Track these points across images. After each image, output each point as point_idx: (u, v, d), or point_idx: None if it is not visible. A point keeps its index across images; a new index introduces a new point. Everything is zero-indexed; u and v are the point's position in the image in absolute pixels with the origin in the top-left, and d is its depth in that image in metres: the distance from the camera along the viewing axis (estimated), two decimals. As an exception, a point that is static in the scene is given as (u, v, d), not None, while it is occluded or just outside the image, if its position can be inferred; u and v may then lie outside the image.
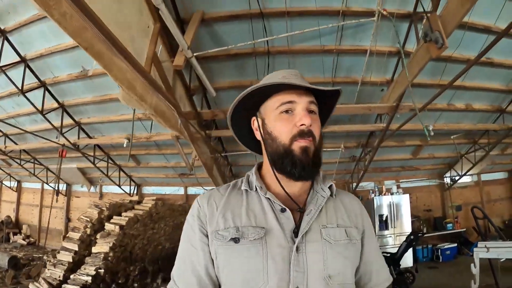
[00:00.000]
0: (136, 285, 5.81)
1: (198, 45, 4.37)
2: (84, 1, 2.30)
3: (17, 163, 9.96)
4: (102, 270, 4.91)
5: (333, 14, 4.32)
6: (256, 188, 0.99)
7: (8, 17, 4.83)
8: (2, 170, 12.51)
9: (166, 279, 6.62)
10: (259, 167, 1.08)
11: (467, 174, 10.04)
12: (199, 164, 6.77)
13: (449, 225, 10.31)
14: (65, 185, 11.73)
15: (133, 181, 9.00)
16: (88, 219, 5.60)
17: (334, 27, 4.38)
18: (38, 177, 10.81)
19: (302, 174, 0.92)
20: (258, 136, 1.04)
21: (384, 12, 3.85)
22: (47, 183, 11.21)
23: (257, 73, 5.28)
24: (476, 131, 8.08)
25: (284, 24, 4.36)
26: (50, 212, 9.81)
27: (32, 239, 12.65)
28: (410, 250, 8.47)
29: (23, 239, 12.49)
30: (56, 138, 7.32)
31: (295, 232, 0.91)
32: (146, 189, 9.28)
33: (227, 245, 0.89)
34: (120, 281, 5.39)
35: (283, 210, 0.94)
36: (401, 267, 6.93)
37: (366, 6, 4.30)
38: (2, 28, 4.99)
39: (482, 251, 4.56)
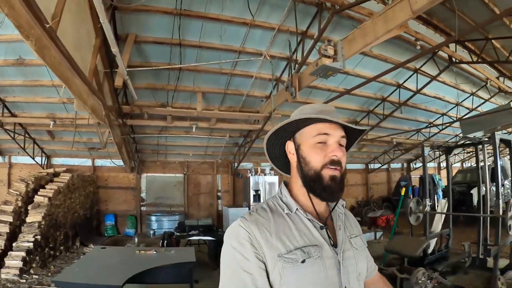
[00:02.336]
0: (62, 248, 6.64)
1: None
2: (59, 39, 3.18)
3: None
4: (39, 237, 5.62)
5: (232, 51, 5.86)
6: (295, 210, 1.08)
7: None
8: None
9: (82, 243, 7.60)
10: (286, 185, 1.18)
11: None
12: (110, 141, 7.79)
13: None
14: None
15: (44, 153, 9.28)
16: (17, 192, 6.18)
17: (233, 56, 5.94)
18: None
19: (329, 197, 1.08)
20: (290, 158, 1.15)
21: (267, 56, 5.58)
22: None
23: (169, 80, 6.66)
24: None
25: (196, 52, 5.83)
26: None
27: None
28: None
29: None
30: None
31: (334, 244, 1.07)
32: (56, 160, 9.50)
33: (296, 266, 0.97)
34: (51, 245, 6.15)
35: (322, 227, 1.07)
36: None
37: (257, 48, 5.87)
38: None
39: None
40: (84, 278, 3.19)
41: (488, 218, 4.96)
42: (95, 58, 4.71)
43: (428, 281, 4.47)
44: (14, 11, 2.54)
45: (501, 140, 5.06)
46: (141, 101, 7.42)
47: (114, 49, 4.46)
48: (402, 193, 7.03)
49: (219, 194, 12.17)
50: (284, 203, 1.12)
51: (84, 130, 8.04)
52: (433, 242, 5.85)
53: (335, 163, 1.04)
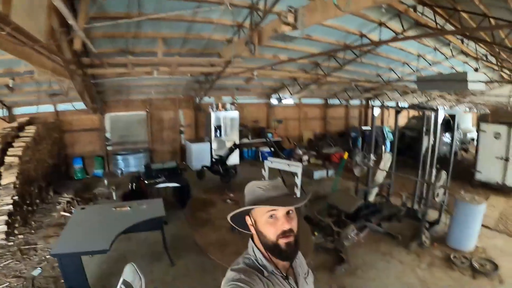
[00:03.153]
0: (37, 201, 6.86)
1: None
2: (15, 23, 3.14)
3: None
4: (16, 197, 5.74)
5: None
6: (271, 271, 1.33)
7: None
8: None
9: (56, 191, 7.84)
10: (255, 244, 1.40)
11: (290, 97, 13.07)
12: (71, 88, 7.72)
13: (270, 134, 13.17)
14: None
15: (4, 105, 8.98)
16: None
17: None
18: None
19: (287, 260, 1.35)
20: (252, 229, 1.38)
21: (229, 6, 5.38)
22: None
23: (128, 27, 6.35)
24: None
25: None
26: None
27: None
28: (237, 153, 11.59)
29: None
30: None
31: None
32: (17, 110, 9.25)
33: None
34: (27, 202, 6.34)
35: (288, 280, 1.37)
36: (228, 165, 9.62)
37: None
38: None
39: (269, 163, 6.52)
40: (75, 247, 3.60)
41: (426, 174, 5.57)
42: (49, 19, 4.54)
43: (358, 234, 5.29)
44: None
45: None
46: (101, 49, 7.12)
47: (70, 21, 4.30)
48: (345, 157, 7.66)
49: (181, 129, 12.41)
50: (260, 265, 1.34)
51: (47, 79, 7.75)
52: (374, 191, 6.74)
53: (286, 232, 1.29)
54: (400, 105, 8.15)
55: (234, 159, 11.43)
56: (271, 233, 1.30)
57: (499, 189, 8.46)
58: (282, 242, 1.29)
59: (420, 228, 5.50)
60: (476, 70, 9.61)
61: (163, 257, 5.09)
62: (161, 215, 4.77)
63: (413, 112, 15.27)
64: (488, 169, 8.63)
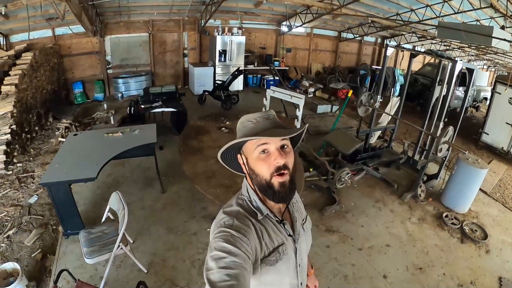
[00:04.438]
0: (36, 128, 6.83)
1: None
2: None
3: None
4: (14, 126, 5.69)
5: None
6: (266, 214, 1.21)
7: None
8: None
9: (55, 117, 7.78)
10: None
11: (302, 26, 12.22)
12: (68, 10, 7.26)
13: (276, 63, 12.82)
14: None
15: (1, 33, 8.64)
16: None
17: None
18: None
19: (282, 201, 1.20)
20: (244, 169, 1.24)
21: None
22: None
23: None
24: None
25: None
26: None
27: None
28: (241, 80, 11.44)
29: None
30: None
31: (293, 236, 1.28)
32: (14, 38, 8.97)
33: (273, 265, 1.17)
34: (26, 129, 6.32)
35: (283, 224, 1.25)
36: (230, 91, 9.57)
37: None
38: None
39: (271, 92, 6.37)
40: (64, 175, 3.64)
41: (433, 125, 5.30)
42: None
43: (352, 178, 5.23)
44: None
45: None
46: None
47: None
48: (349, 95, 7.29)
49: (185, 52, 11.88)
50: (255, 208, 1.21)
51: (38, 3, 7.30)
52: (376, 134, 6.56)
53: (280, 168, 1.13)
54: (416, 49, 7.53)
55: (237, 85, 11.26)
56: (264, 171, 1.15)
57: (503, 155, 8.19)
58: (276, 181, 1.14)
59: (417, 181, 5.43)
60: (502, 28, 8.75)
61: (156, 184, 5.19)
62: (152, 141, 4.71)
63: (429, 59, 14.32)
64: (496, 133, 8.29)
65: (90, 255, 2.94)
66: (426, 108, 5.55)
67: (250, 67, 12.31)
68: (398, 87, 11.58)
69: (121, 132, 4.92)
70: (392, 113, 6.22)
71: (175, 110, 7.01)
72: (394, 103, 6.39)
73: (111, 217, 3.46)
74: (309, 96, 11.82)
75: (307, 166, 5.41)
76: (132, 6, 9.61)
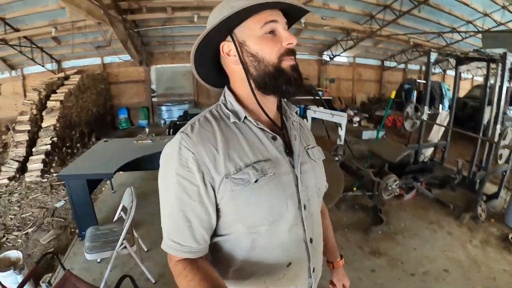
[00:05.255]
0: (78, 145, 7.14)
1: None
2: None
3: None
4: (55, 139, 5.98)
5: None
6: (244, 119, 0.91)
7: None
8: None
9: (98, 137, 7.99)
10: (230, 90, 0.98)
11: (344, 55, 12.13)
12: (115, 38, 7.76)
13: (320, 93, 12.22)
14: None
15: (54, 59, 9.37)
16: (31, 102, 6.41)
17: None
18: None
19: (296, 91, 0.89)
20: (229, 62, 0.92)
21: None
22: None
23: None
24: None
25: None
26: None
27: None
28: None
29: None
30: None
31: (290, 156, 0.93)
32: (66, 64, 9.65)
33: (248, 186, 0.83)
34: (67, 144, 6.62)
35: (274, 138, 0.92)
36: None
37: None
38: None
39: (311, 112, 6.07)
40: (82, 170, 3.60)
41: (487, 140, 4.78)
42: None
43: (400, 188, 4.60)
44: None
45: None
46: None
47: None
48: (392, 96, 6.75)
49: None
50: (230, 110, 0.93)
51: (88, 30, 7.87)
52: (428, 152, 5.90)
53: (291, 52, 0.89)
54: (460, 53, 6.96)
55: None
56: (272, 53, 0.87)
57: None
58: (286, 64, 0.88)
59: (477, 199, 4.70)
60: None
61: None
62: None
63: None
64: None
65: (91, 250, 2.70)
66: (478, 129, 4.94)
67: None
68: (446, 103, 10.89)
69: (150, 140, 4.88)
70: (443, 125, 5.61)
71: None
72: (444, 117, 5.79)
73: (124, 217, 3.22)
74: (354, 125, 11.40)
75: (350, 182, 4.93)
76: (176, 36, 10.08)
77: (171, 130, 7.46)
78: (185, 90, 11.63)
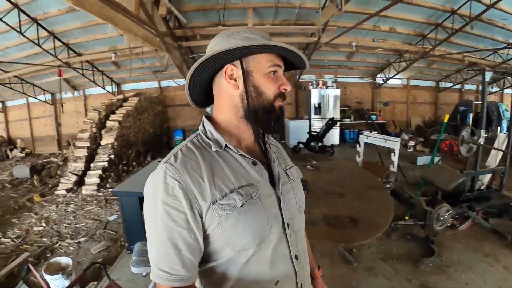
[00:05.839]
0: (134, 163, 7.61)
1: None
2: None
3: (7, 87, 10.65)
4: (112, 156, 6.44)
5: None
6: (224, 147, 0.95)
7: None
8: None
9: (154, 157, 8.46)
10: (208, 119, 1.03)
11: (397, 78, 11.74)
12: (171, 63, 8.25)
13: (374, 117, 12.01)
14: (50, 95, 12.38)
15: (114, 82, 10.20)
16: (91, 120, 7.02)
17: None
18: (26, 94, 11.53)
19: (279, 128, 0.98)
20: (230, 85, 0.97)
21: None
22: (34, 97, 11.87)
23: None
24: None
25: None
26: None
27: (27, 150, 13.30)
28: (338, 132, 11.12)
29: (21, 152, 13.12)
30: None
31: (271, 180, 0.99)
32: (125, 87, 10.37)
33: (235, 211, 0.87)
34: (124, 162, 7.08)
35: (254, 163, 0.97)
36: (328, 144, 9.27)
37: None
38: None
39: (364, 137, 6.05)
40: (136, 188, 3.80)
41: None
42: None
43: (453, 218, 4.31)
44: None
45: None
46: (194, 22, 7.63)
47: None
48: (445, 120, 6.36)
49: None
50: (210, 140, 0.97)
51: (146, 56, 8.50)
52: (485, 178, 5.46)
53: (283, 95, 0.99)
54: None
55: (333, 138, 10.92)
56: (270, 91, 0.96)
57: None
58: (277, 104, 0.97)
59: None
60: None
61: None
62: None
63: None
64: None
65: (137, 263, 2.81)
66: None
67: (347, 121, 11.99)
68: (504, 124, 10.06)
69: None
70: (499, 153, 5.17)
71: None
72: (502, 140, 5.33)
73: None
74: (409, 150, 10.90)
75: (403, 211, 4.73)
76: None
77: None
78: None
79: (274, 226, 0.94)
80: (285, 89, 0.97)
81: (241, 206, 0.88)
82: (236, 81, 0.96)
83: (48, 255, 4.03)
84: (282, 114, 0.98)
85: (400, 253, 4.18)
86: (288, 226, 0.98)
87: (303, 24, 7.61)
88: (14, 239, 4.71)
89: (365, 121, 10.83)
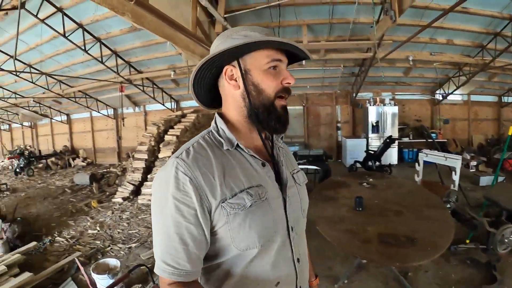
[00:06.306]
0: None
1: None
2: (151, 5, 3.75)
3: (72, 101, 11.89)
4: None
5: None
6: (236, 146, 0.96)
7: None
8: (53, 108, 14.43)
9: None
10: (221, 117, 1.02)
11: (457, 93, 11.17)
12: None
13: (433, 135, 11.23)
14: (112, 109, 13.62)
15: (173, 98, 10.77)
16: (150, 134, 7.44)
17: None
18: (90, 108, 12.82)
19: (282, 129, 0.98)
20: (229, 86, 0.98)
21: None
22: (98, 111, 13.22)
23: (271, 17, 6.77)
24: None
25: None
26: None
27: (89, 160, 14.71)
28: (396, 151, 10.71)
29: (82, 161, 14.53)
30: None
31: (278, 182, 1.00)
32: (184, 103, 10.92)
33: (244, 211, 0.88)
34: None
35: (263, 164, 0.98)
36: (385, 163, 9.00)
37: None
38: (58, 6, 6.40)
39: (423, 155, 5.83)
40: None
41: None
42: (195, 11, 5.20)
43: None
44: (104, -1, 2.99)
45: None
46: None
47: (203, 2, 4.81)
48: (509, 132, 5.79)
49: (338, 125, 12.16)
50: (222, 138, 0.97)
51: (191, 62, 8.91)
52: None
53: (287, 91, 0.97)
54: None
55: (391, 157, 10.52)
56: (270, 87, 0.95)
57: None
58: (278, 103, 0.97)
59: None
60: None
61: None
62: None
63: None
64: None
65: None
66: None
67: (405, 139, 11.49)
68: None
69: None
70: None
71: (318, 168, 7.16)
72: None
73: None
74: (471, 170, 10.18)
75: (463, 233, 4.49)
76: None
77: None
78: (296, 132, 12.03)
79: (279, 228, 0.96)
80: (288, 83, 0.96)
81: (250, 206, 0.89)
82: (236, 81, 0.97)
83: (99, 257, 4.28)
84: (284, 114, 0.98)
85: (459, 279, 3.91)
86: (292, 229, 1.00)
87: (358, 40, 7.54)
88: (69, 239, 5.08)
89: (424, 140, 10.29)
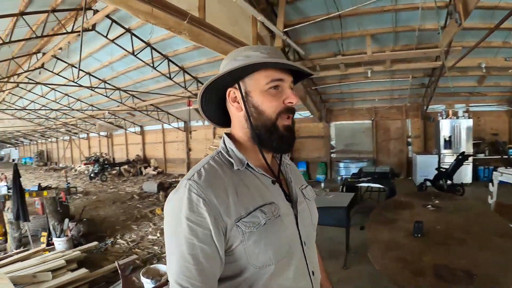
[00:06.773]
0: None
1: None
2: (207, 23, 3.93)
3: (144, 113, 12.94)
4: None
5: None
6: (246, 165, 0.96)
7: (131, 19, 6.69)
8: (127, 120, 15.81)
9: None
10: (229, 137, 1.03)
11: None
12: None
13: (511, 151, 10.05)
14: (182, 122, 14.47)
15: None
16: (216, 147, 7.75)
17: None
18: (161, 121, 13.86)
19: (287, 149, 0.98)
20: (233, 107, 1.00)
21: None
22: (168, 124, 14.23)
23: (333, 29, 6.70)
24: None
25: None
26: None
27: (160, 169, 15.71)
28: (470, 169, 9.65)
29: (153, 170, 15.57)
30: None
31: (287, 199, 1.01)
32: None
33: (259, 229, 0.88)
34: None
35: (273, 182, 0.99)
36: (458, 182, 8.12)
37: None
38: (127, 27, 7.06)
39: (498, 174, 5.34)
40: None
41: None
42: (255, 27, 5.36)
43: None
44: (160, 19, 3.21)
45: None
46: (314, 54, 7.79)
47: (259, 17, 4.77)
48: None
49: (409, 140, 11.36)
50: (231, 158, 0.97)
51: None
52: None
53: (290, 110, 0.97)
54: None
55: (465, 176, 9.49)
56: (271, 108, 0.95)
57: None
58: (281, 123, 0.96)
59: None
60: None
61: (341, 257, 4.67)
62: (342, 205, 4.55)
63: None
64: None
65: None
66: None
67: (481, 156, 10.23)
68: None
69: (316, 195, 4.94)
70: None
71: (381, 186, 6.78)
72: None
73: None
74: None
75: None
76: (354, 93, 10.41)
77: (344, 187, 7.15)
78: (364, 147, 11.56)
79: (294, 244, 0.97)
80: (290, 102, 0.95)
81: (264, 223, 0.90)
82: (239, 103, 0.98)
83: (154, 262, 4.46)
84: (287, 134, 0.97)
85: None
86: (304, 244, 1.01)
87: (426, 48, 7.01)
88: (129, 242, 5.39)
89: (498, 156, 9.09)
